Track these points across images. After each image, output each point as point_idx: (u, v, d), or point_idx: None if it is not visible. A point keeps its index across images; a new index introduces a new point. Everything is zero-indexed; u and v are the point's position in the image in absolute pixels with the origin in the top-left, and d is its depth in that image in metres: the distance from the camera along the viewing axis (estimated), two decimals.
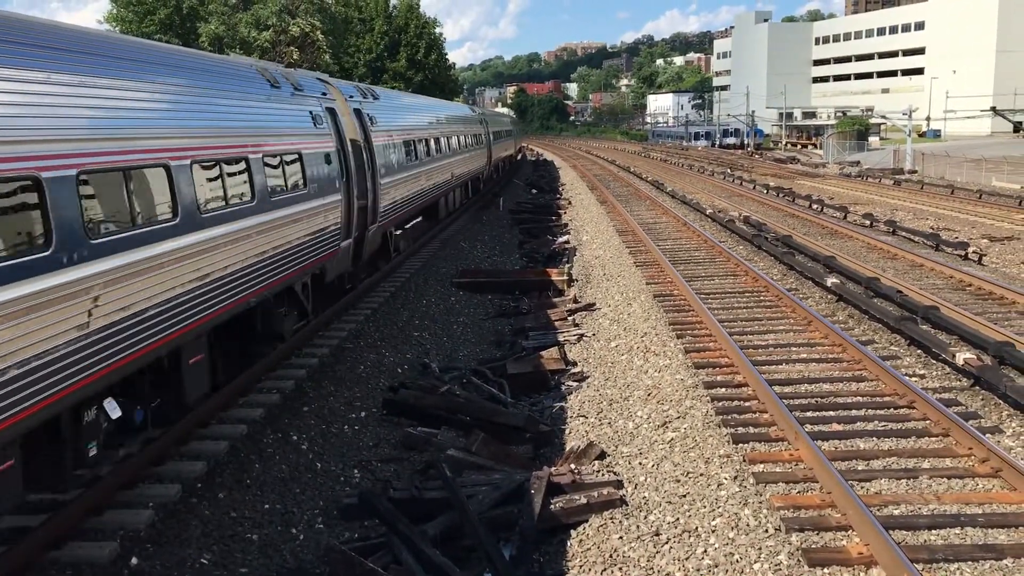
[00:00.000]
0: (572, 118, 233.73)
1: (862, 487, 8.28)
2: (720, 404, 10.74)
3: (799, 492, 8.34)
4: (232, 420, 10.33)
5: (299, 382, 11.95)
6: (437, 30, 79.98)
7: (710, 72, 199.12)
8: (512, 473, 9.32)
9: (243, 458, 9.52)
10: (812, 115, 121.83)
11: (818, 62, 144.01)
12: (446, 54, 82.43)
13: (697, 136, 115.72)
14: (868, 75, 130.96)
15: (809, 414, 10.28)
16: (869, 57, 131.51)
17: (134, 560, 7.24)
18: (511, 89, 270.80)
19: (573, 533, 8.26)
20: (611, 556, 7.68)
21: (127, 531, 7.60)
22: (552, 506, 8.45)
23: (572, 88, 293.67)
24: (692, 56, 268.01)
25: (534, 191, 45.96)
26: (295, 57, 50.11)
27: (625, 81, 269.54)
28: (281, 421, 10.63)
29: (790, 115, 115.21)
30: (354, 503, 8.80)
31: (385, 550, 7.80)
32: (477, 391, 12.54)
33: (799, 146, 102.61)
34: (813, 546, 7.26)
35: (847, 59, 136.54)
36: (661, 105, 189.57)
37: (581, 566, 7.74)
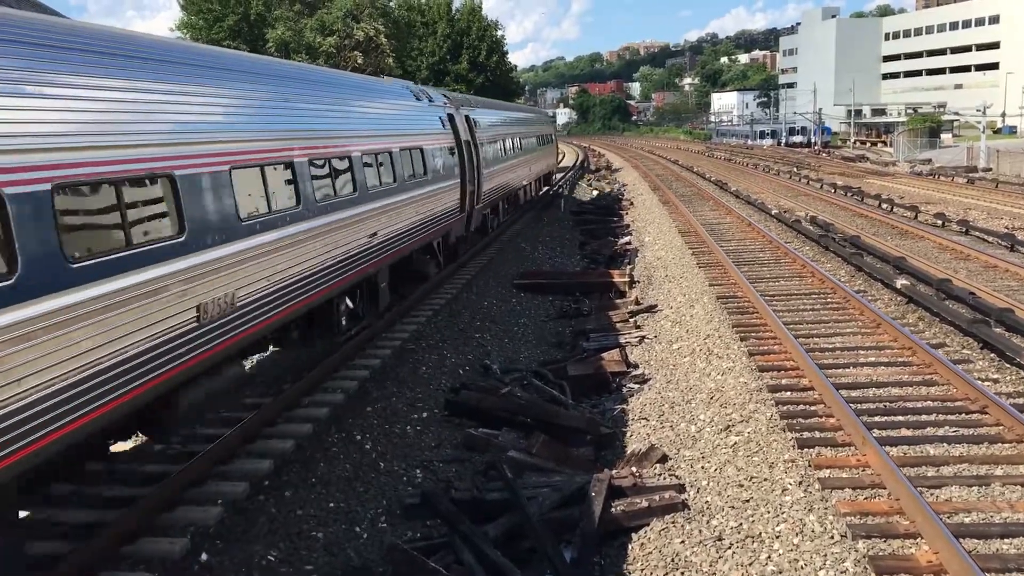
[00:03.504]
0: (634, 118, 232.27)
1: (932, 494, 8.08)
2: (785, 408, 10.59)
3: (866, 498, 8.18)
4: (299, 419, 10.53)
5: (362, 382, 12.15)
6: (499, 32, 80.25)
7: (776, 70, 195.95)
8: (573, 475, 9.32)
9: (308, 457, 9.69)
10: (882, 112, 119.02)
11: (888, 58, 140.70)
12: (507, 55, 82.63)
13: (762, 135, 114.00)
14: (940, 71, 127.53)
15: (877, 419, 10.07)
16: (941, 52, 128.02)
17: (204, 556, 7.43)
18: (573, 89, 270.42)
19: (634, 537, 8.24)
20: (673, 560, 7.63)
21: (197, 527, 7.80)
22: (613, 509, 8.43)
23: (635, 88, 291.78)
24: (757, 53, 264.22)
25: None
26: (359, 61, 50.76)
27: (688, 80, 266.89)
28: (345, 421, 10.79)
29: (859, 112, 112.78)
30: (416, 503, 8.89)
31: (447, 550, 7.87)
32: (538, 393, 12.57)
33: (868, 144, 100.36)
34: (880, 553, 7.12)
35: (918, 54, 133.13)
36: (725, 103, 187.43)
37: (642, 570, 7.71)
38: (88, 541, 7.04)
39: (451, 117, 19.79)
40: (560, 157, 78.03)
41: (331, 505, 8.83)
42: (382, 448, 10.39)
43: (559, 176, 52.60)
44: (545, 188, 42.34)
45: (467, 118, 21.61)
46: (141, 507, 7.73)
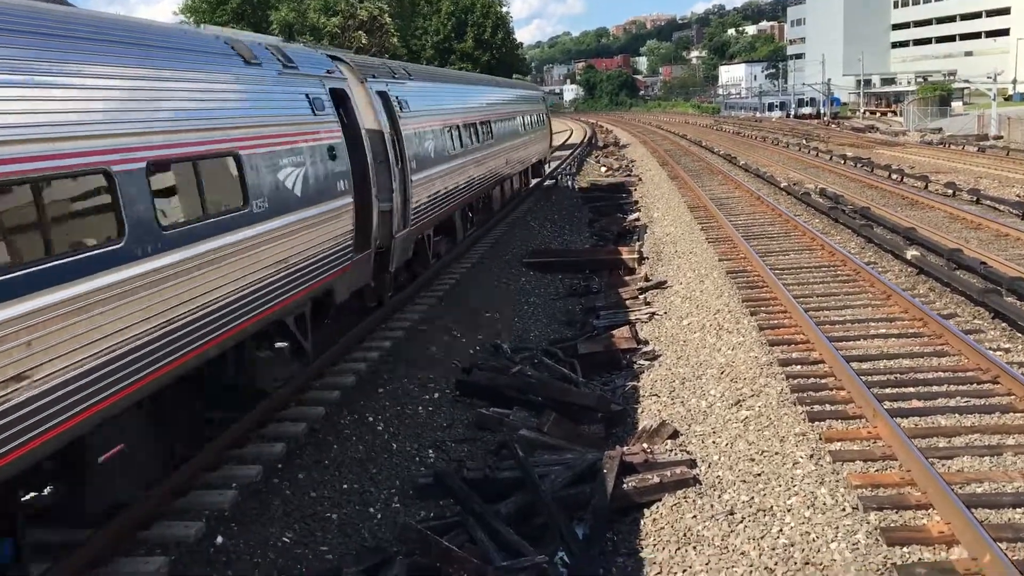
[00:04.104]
0: (642, 93, 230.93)
1: (943, 465, 8.08)
2: (795, 382, 10.58)
3: (877, 470, 8.18)
4: (311, 402, 10.58)
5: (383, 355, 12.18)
6: (504, 9, 79.81)
7: (784, 41, 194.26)
8: (584, 453, 9.36)
9: (321, 439, 9.75)
10: (891, 81, 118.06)
11: (897, 26, 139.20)
12: (513, 33, 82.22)
13: (771, 107, 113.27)
14: (950, 38, 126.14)
15: (888, 391, 10.04)
16: (951, 19, 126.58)
17: (219, 539, 7.50)
18: (579, 65, 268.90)
19: (646, 512, 8.28)
20: (685, 535, 7.67)
21: (212, 511, 7.87)
22: (625, 485, 8.46)
23: (642, 62, 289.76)
24: (765, 25, 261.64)
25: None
26: (363, 41, 50.60)
27: (696, 53, 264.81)
28: (357, 403, 10.84)
29: (868, 82, 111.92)
30: (429, 483, 8.95)
31: (460, 529, 7.92)
32: (548, 371, 12.59)
33: (878, 114, 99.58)
34: (892, 525, 7.13)
35: (927, 22, 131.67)
36: (733, 76, 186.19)
37: (655, 544, 7.75)
38: (104, 526, 7.10)
39: (341, 95, 11.80)
40: (567, 136, 77.75)
41: (345, 486, 8.90)
42: (394, 429, 10.44)
43: (566, 153, 52.34)
44: (536, 180, 34.59)
45: (384, 96, 13.68)
46: (157, 493, 7.79)
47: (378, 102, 13.26)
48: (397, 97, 14.33)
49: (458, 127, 18.84)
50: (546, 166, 38.63)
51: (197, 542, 7.38)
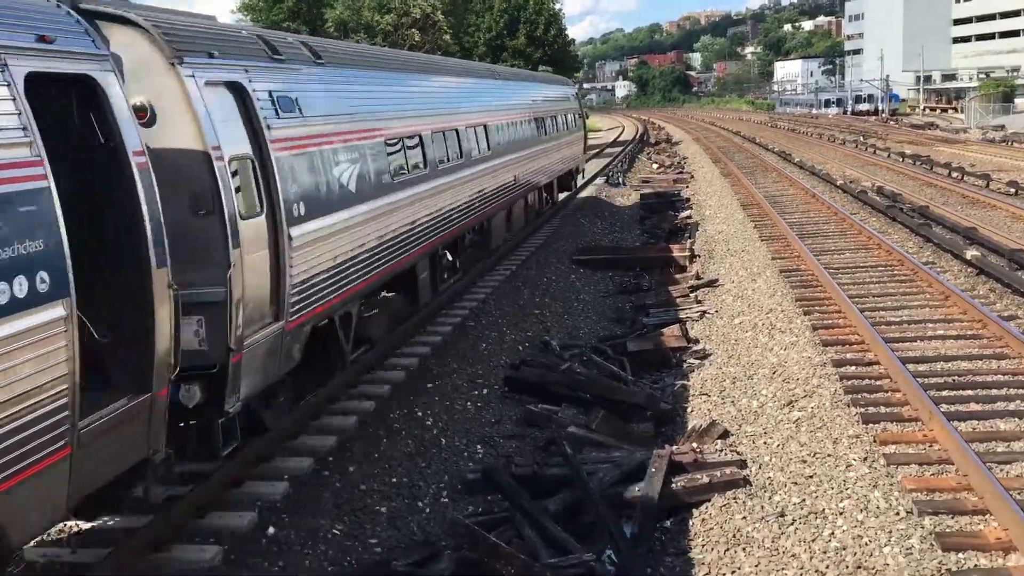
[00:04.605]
0: (695, 89, 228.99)
1: (1002, 470, 7.88)
2: (849, 383, 10.42)
3: (933, 474, 8.02)
4: (360, 396, 10.70)
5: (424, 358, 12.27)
6: (556, 5, 79.63)
7: (841, 36, 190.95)
8: (633, 451, 9.33)
9: (371, 433, 9.85)
10: (952, 77, 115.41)
11: (959, 21, 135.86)
12: (565, 29, 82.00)
13: (827, 103, 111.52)
14: (1014, 33, 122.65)
15: (945, 393, 9.84)
16: (1015, 14, 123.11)
17: (271, 529, 7.62)
18: (632, 62, 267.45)
19: (695, 512, 8.22)
20: (734, 536, 7.60)
21: (264, 502, 8.01)
22: (674, 485, 8.41)
23: (695, 58, 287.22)
24: (822, 20, 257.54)
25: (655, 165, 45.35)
26: (416, 39, 50.90)
27: (751, 49, 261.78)
28: (406, 398, 10.93)
29: (928, 78, 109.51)
30: (478, 478, 8.99)
31: (508, 525, 7.95)
32: (597, 369, 12.56)
33: (938, 111, 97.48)
34: (947, 530, 6.99)
35: (991, 16, 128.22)
36: (789, 72, 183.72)
37: (703, 545, 7.69)
38: (159, 515, 7.27)
39: (84, 89, 6.10)
40: (619, 132, 77.38)
41: (394, 480, 8.98)
42: (443, 424, 10.51)
43: (617, 151, 52.09)
44: (565, 195, 28.92)
45: (239, 93, 8.20)
46: (211, 483, 7.94)
47: (218, 102, 7.75)
48: (274, 94, 8.63)
49: (418, 138, 12.86)
50: (580, 176, 31.93)
51: (250, 532, 7.51)
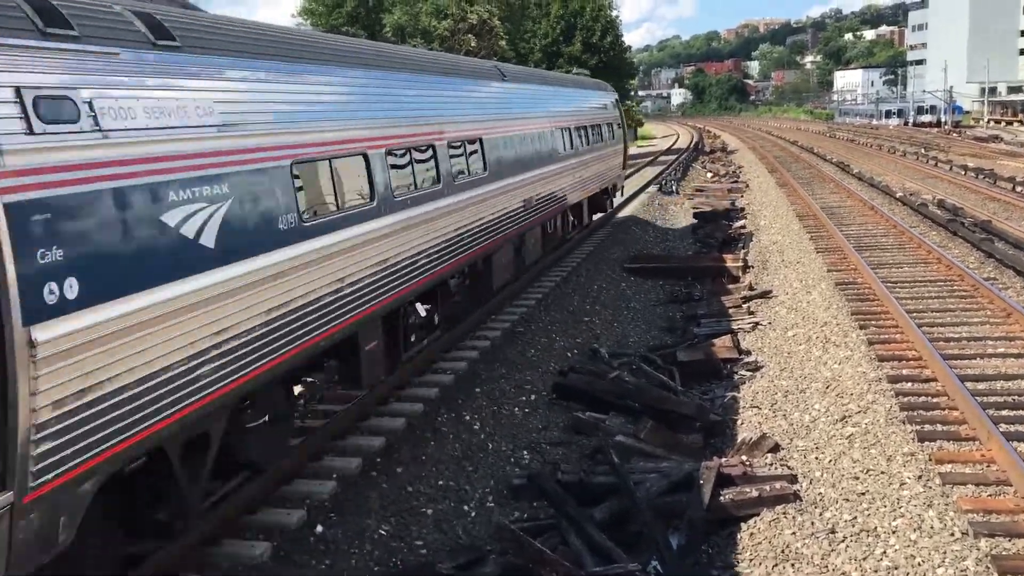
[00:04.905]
0: (752, 98, 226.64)
1: None
2: (905, 400, 10.20)
3: (990, 495, 7.83)
4: (409, 399, 10.77)
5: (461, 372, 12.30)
6: (613, 12, 79.39)
7: (904, 46, 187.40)
8: (681, 462, 9.25)
9: (419, 436, 9.90)
10: (1018, 89, 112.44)
11: None
12: (622, 36, 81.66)
13: (888, 114, 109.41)
14: None
15: (1005, 413, 9.58)
16: None
17: (319, 528, 7.71)
18: (688, 69, 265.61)
19: (743, 526, 8.12)
20: (783, 552, 7.50)
21: (313, 500, 8.10)
22: (722, 497, 8.32)
23: (753, 67, 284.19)
24: (884, 29, 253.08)
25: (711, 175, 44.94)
26: (472, 44, 51.16)
27: (810, 58, 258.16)
28: (454, 401, 10.98)
29: (993, 90, 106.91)
30: (524, 484, 8.99)
31: (553, 531, 7.94)
32: (646, 378, 12.49)
33: (1003, 123, 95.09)
34: (1004, 553, 6.82)
35: None
36: (849, 82, 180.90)
37: (751, 560, 7.60)
38: (212, 509, 7.39)
39: None
40: (673, 140, 76.85)
41: (440, 483, 9.02)
42: (490, 429, 10.53)
43: (671, 159, 51.73)
44: (596, 215, 24.92)
45: None
46: (262, 481, 8.05)
47: None
48: (30, 92, 5.18)
49: (362, 159, 9.20)
50: (619, 193, 28.24)
51: (299, 529, 7.61)
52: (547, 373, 12.67)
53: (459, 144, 12.34)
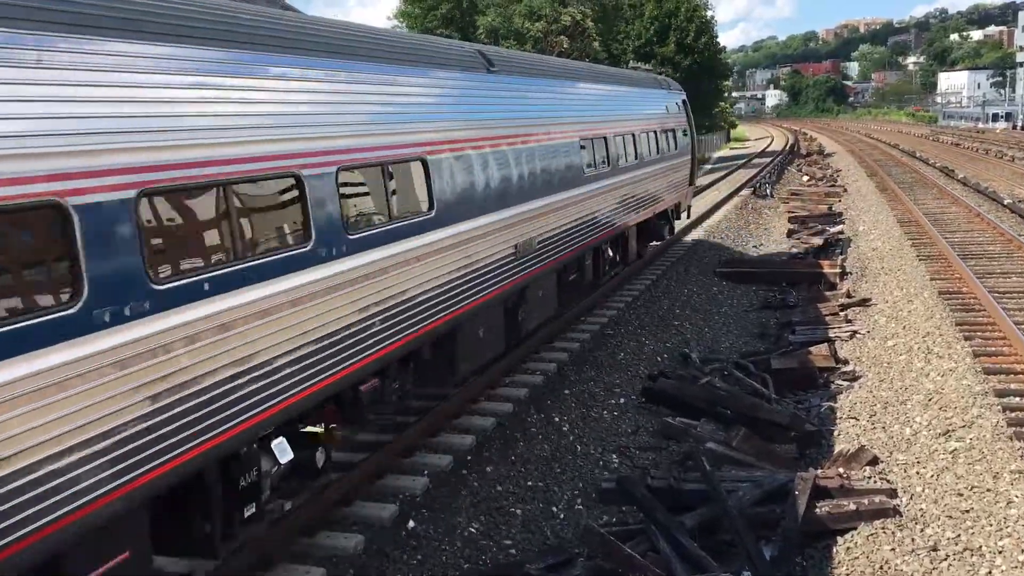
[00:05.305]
0: (851, 99, 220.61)
1: None
2: (1014, 415, 9.77)
3: None
4: (499, 398, 10.83)
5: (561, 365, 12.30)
6: (708, 13, 78.33)
7: (1013, 47, 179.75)
8: (774, 472, 9.06)
9: (509, 435, 9.95)
10: None
11: None
12: (716, 36, 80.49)
13: (996, 117, 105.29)
14: None
15: None
16: None
17: (411, 523, 7.82)
18: (784, 70, 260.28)
19: (840, 540, 7.91)
20: (881, 568, 7.28)
21: (405, 495, 8.22)
22: (817, 510, 8.13)
23: (852, 68, 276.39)
24: (992, 30, 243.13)
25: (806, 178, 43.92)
26: (564, 46, 51.11)
27: (913, 59, 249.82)
28: (544, 403, 10.99)
29: None
30: (612, 488, 8.94)
31: (642, 537, 7.87)
32: (738, 385, 12.28)
33: None
34: None
35: None
36: (954, 84, 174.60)
37: (847, 574, 7.40)
38: (308, 501, 7.57)
39: None
40: (768, 143, 75.30)
41: (529, 483, 9.05)
42: (579, 431, 10.51)
43: (765, 161, 50.74)
44: (658, 242, 20.61)
45: None
46: (355, 474, 8.21)
47: None
48: None
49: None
50: (685, 214, 22.95)
51: (392, 524, 7.73)
52: (636, 377, 12.58)
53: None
